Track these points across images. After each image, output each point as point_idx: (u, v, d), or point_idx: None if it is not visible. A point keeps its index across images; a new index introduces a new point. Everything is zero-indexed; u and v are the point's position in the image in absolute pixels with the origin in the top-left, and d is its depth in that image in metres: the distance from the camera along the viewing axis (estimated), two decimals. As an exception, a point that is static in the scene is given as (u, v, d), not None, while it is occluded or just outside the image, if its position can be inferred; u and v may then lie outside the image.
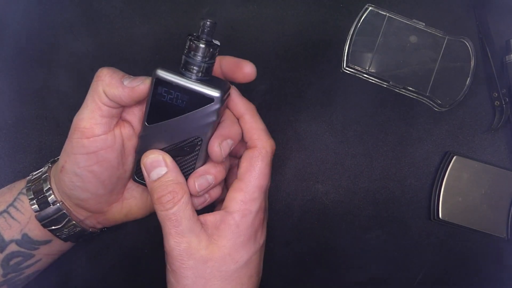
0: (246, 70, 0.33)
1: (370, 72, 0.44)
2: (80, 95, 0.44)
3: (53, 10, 0.44)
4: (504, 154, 0.46)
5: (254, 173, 0.33)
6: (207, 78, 0.32)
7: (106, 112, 0.32)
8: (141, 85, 0.31)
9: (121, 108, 0.33)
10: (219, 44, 0.32)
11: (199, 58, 0.30)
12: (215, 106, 0.31)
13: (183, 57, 0.31)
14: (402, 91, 0.45)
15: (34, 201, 0.35)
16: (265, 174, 0.34)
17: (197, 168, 0.34)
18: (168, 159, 0.32)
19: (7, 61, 0.44)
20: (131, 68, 0.44)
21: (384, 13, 0.44)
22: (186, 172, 0.34)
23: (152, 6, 0.45)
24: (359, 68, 0.44)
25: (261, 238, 0.35)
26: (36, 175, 0.36)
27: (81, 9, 0.45)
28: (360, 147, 0.45)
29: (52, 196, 0.35)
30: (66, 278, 0.43)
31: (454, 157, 0.44)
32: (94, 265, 0.43)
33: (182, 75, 0.31)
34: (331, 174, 0.45)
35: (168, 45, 0.45)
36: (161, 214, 0.31)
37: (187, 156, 0.33)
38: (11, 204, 0.35)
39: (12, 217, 0.35)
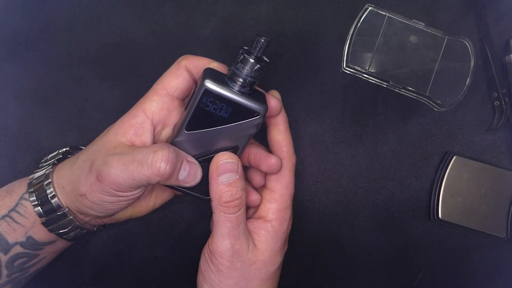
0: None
1: (370, 72, 0.44)
2: (80, 95, 0.44)
3: (53, 10, 0.44)
4: (504, 154, 0.46)
5: (285, 183, 0.37)
6: (250, 92, 0.32)
7: (149, 188, 0.35)
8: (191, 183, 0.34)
9: None
10: (268, 61, 0.33)
11: (247, 72, 0.31)
12: (259, 120, 0.33)
13: (232, 67, 0.32)
14: (402, 91, 0.45)
15: (39, 207, 0.34)
16: (293, 183, 0.38)
17: None
18: (241, 165, 0.34)
19: (7, 61, 0.44)
20: (131, 68, 0.44)
21: (384, 13, 0.44)
22: None
23: (152, 6, 0.45)
24: (359, 68, 0.44)
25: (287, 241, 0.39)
26: (38, 180, 0.35)
27: (81, 9, 0.45)
28: (360, 147, 0.45)
29: (57, 201, 0.34)
30: (64, 278, 0.43)
31: (454, 157, 0.44)
32: (94, 265, 0.43)
33: (227, 86, 0.32)
34: (331, 174, 0.45)
35: (168, 45, 0.45)
36: (223, 216, 0.33)
37: None
38: (13, 209, 0.35)
39: (16, 222, 0.34)
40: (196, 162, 0.34)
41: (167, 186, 0.35)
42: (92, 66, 0.44)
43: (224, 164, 0.33)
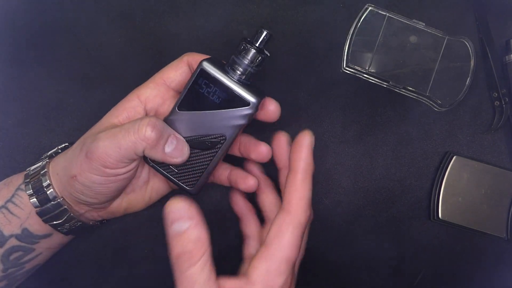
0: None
1: (370, 72, 0.44)
2: (80, 95, 0.44)
3: (53, 10, 0.44)
4: (504, 154, 0.46)
5: (283, 242, 0.30)
6: (248, 83, 0.33)
7: (137, 159, 0.33)
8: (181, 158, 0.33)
9: None
10: (268, 55, 0.33)
11: (246, 62, 0.32)
12: (249, 110, 0.32)
13: (232, 56, 0.32)
14: (402, 91, 0.45)
15: (34, 197, 0.35)
16: (295, 246, 0.30)
17: (212, 165, 0.34)
18: (194, 210, 0.29)
19: (7, 61, 0.44)
20: (131, 68, 0.44)
21: (384, 13, 0.44)
22: (200, 166, 0.35)
23: (152, 6, 0.45)
24: (359, 68, 0.44)
25: None
26: (35, 170, 0.36)
27: (81, 9, 0.45)
28: (360, 147, 0.45)
29: (52, 191, 0.35)
30: (62, 276, 0.43)
31: (454, 157, 0.44)
32: (93, 265, 0.43)
33: (226, 72, 0.32)
34: (331, 174, 0.45)
35: (168, 45, 0.45)
36: (175, 272, 0.29)
37: (205, 151, 0.34)
38: (9, 200, 0.35)
39: (11, 213, 0.35)
40: (184, 140, 0.34)
41: (156, 168, 0.35)
42: (92, 66, 0.44)
43: (174, 211, 0.29)
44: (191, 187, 0.35)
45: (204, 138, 0.34)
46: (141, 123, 0.31)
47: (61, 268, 0.42)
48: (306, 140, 0.32)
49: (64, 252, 0.41)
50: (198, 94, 0.32)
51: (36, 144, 0.43)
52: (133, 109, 0.35)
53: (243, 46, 0.32)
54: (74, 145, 0.36)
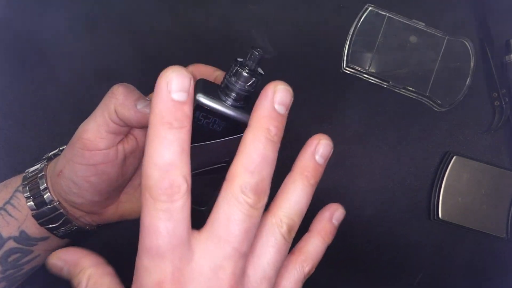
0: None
1: (370, 72, 0.44)
2: (80, 95, 0.44)
3: (53, 10, 0.44)
4: (504, 154, 0.46)
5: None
6: (244, 106, 0.31)
7: (113, 129, 0.32)
8: None
9: (128, 127, 0.33)
10: (262, 73, 0.31)
11: (240, 86, 0.30)
12: None
13: (225, 80, 0.31)
14: (402, 91, 0.45)
15: (31, 199, 0.35)
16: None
17: (220, 186, 0.33)
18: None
19: (7, 61, 0.44)
20: (131, 68, 0.44)
21: (384, 13, 0.44)
22: (208, 189, 0.34)
23: (152, 6, 0.45)
24: (359, 68, 0.44)
25: None
26: (33, 173, 0.36)
27: (81, 9, 0.45)
28: (360, 147, 0.45)
29: (49, 195, 0.35)
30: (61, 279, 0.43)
31: (454, 157, 0.44)
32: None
33: (221, 100, 0.30)
34: (331, 174, 0.45)
35: (168, 45, 0.45)
36: None
37: (212, 174, 0.34)
38: (8, 202, 0.35)
39: (10, 214, 0.35)
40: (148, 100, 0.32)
41: None
42: (92, 66, 0.44)
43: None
44: (203, 206, 0.35)
45: (211, 168, 0.33)
46: (114, 86, 0.32)
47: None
48: (310, 146, 0.31)
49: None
50: (198, 127, 0.31)
51: (36, 144, 0.43)
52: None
53: (235, 70, 0.30)
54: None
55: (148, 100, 0.32)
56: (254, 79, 0.30)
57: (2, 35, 0.44)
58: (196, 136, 0.32)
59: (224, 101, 0.30)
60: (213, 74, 0.34)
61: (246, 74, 0.30)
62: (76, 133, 0.33)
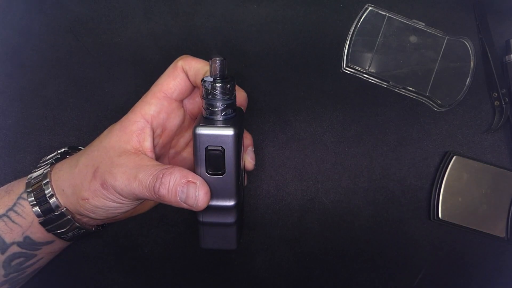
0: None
1: (370, 72, 0.44)
2: (80, 95, 0.44)
3: (53, 10, 0.44)
4: (504, 154, 0.46)
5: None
6: (235, 114, 0.31)
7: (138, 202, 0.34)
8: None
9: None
10: (233, 77, 0.31)
11: (221, 98, 0.30)
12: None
13: (204, 103, 0.30)
14: (402, 91, 0.45)
15: (37, 207, 0.34)
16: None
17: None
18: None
19: (7, 61, 0.44)
20: (131, 68, 0.44)
21: (384, 13, 0.44)
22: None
23: (152, 6, 0.45)
24: (359, 68, 0.44)
25: None
26: (37, 179, 0.35)
27: (81, 9, 0.45)
28: (360, 147, 0.45)
29: (55, 200, 0.34)
30: (62, 278, 0.43)
31: (454, 157, 0.44)
32: (92, 265, 0.43)
33: (213, 120, 0.30)
34: (331, 174, 0.45)
35: (168, 45, 0.45)
36: None
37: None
38: (11, 209, 0.35)
39: (13, 221, 0.34)
40: (199, 182, 0.31)
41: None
42: (92, 66, 0.44)
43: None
44: (235, 246, 0.36)
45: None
46: (152, 181, 0.31)
47: (61, 269, 0.42)
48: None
49: (65, 253, 0.41)
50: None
51: (36, 144, 0.43)
52: (142, 132, 0.34)
53: (208, 89, 0.30)
54: (81, 165, 0.34)
55: (190, 183, 0.31)
56: (229, 85, 0.30)
57: (2, 35, 0.44)
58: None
59: (218, 119, 0.31)
60: (205, 67, 0.33)
61: (219, 85, 0.30)
62: (111, 182, 0.32)
